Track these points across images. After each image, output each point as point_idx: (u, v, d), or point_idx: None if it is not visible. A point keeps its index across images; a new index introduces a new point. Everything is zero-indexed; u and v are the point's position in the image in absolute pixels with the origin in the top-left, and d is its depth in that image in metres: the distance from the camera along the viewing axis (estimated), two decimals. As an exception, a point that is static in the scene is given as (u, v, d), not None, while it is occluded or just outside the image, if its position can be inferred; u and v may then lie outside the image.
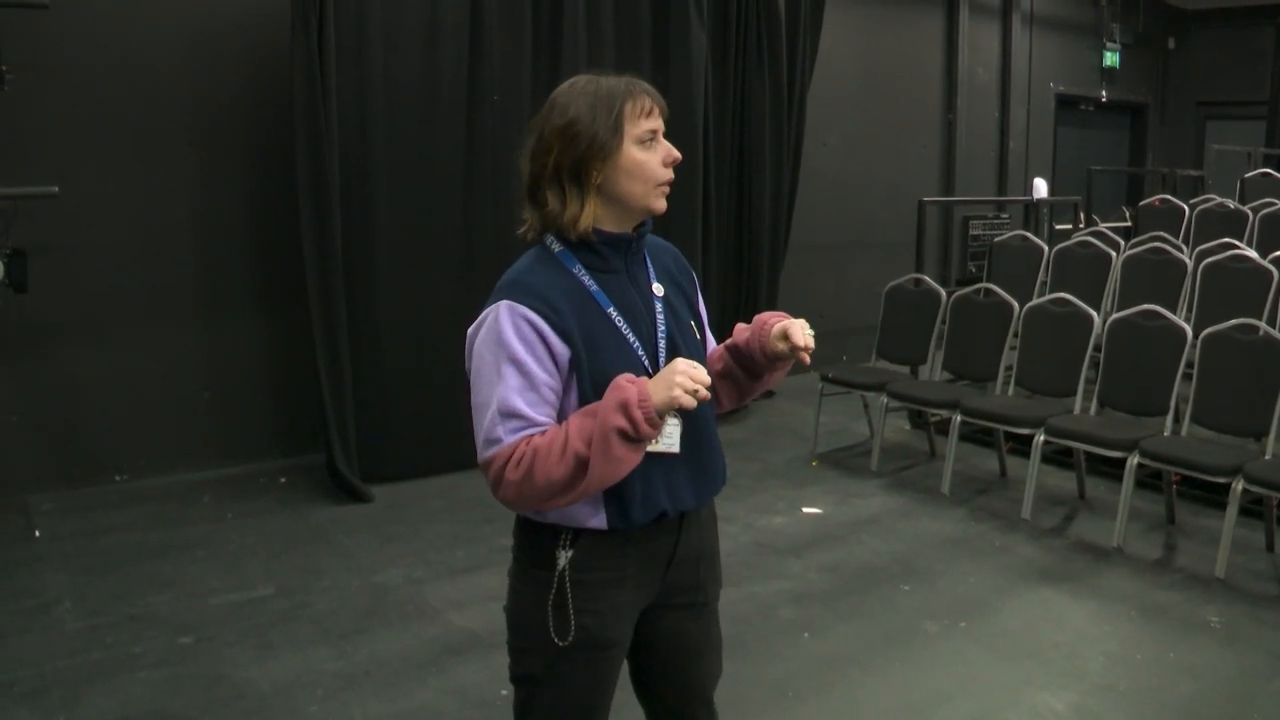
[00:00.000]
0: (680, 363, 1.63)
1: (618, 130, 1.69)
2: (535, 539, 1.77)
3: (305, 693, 3.22)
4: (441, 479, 5.16)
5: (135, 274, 5.14)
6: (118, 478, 5.16)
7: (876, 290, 6.17)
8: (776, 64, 6.64)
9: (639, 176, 1.71)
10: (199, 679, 3.30)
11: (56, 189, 4.58)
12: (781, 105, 6.71)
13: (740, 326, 1.92)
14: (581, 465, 1.60)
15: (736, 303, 6.76)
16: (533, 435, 1.65)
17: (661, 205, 1.75)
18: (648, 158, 1.71)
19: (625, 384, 1.61)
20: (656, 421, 1.60)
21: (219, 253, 5.36)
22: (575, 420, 1.64)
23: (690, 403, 1.60)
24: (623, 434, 1.58)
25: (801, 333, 1.79)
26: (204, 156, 5.27)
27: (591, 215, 1.72)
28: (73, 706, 3.12)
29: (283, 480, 5.30)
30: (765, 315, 1.88)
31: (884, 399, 5.53)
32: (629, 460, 1.62)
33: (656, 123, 1.73)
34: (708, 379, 1.63)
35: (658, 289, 1.82)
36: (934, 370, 5.82)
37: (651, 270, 1.84)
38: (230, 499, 5.01)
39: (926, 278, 6.06)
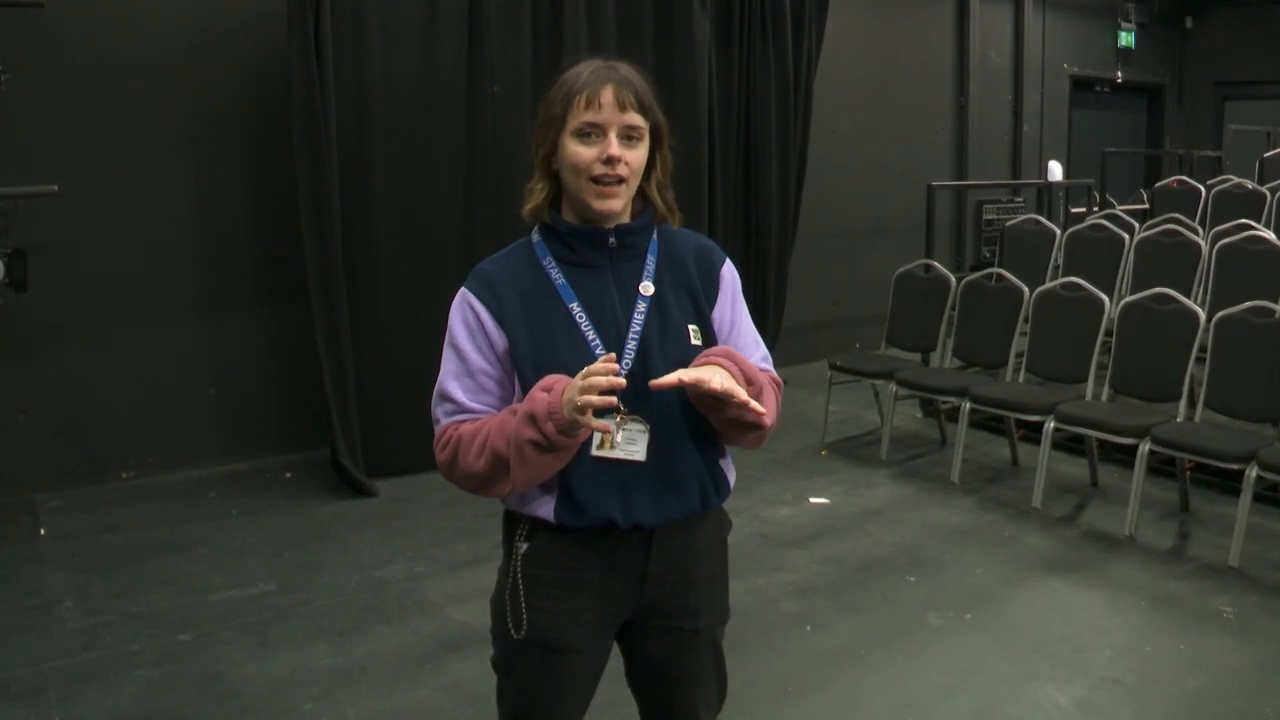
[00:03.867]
0: (581, 376, 1.51)
1: (561, 119, 1.66)
2: (506, 526, 1.78)
3: (300, 690, 3.20)
4: (445, 472, 5.13)
5: (137, 271, 5.14)
6: (123, 475, 5.16)
7: (889, 278, 6.09)
8: (782, 50, 6.56)
9: (570, 168, 1.66)
10: (195, 677, 3.29)
11: (56, 188, 4.57)
12: (788, 92, 6.63)
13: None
14: (501, 463, 1.59)
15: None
16: (462, 421, 1.67)
17: (601, 204, 1.65)
18: (579, 150, 1.64)
19: (538, 394, 1.56)
20: (571, 430, 1.53)
21: (221, 249, 5.35)
22: (501, 416, 1.63)
23: (592, 422, 1.50)
24: (534, 444, 1.55)
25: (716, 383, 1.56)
26: (203, 153, 5.25)
27: (540, 200, 1.71)
28: (69, 705, 3.11)
29: (288, 476, 5.29)
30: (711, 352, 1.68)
31: (893, 387, 5.46)
32: (551, 464, 1.60)
33: (600, 116, 1.63)
34: (607, 384, 1.47)
35: (646, 288, 1.73)
36: (944, 357, 5.75)
37: (650, 269, 1.75)
38: (235, 495, 5.01)
39: (936, 264, 5.99)
